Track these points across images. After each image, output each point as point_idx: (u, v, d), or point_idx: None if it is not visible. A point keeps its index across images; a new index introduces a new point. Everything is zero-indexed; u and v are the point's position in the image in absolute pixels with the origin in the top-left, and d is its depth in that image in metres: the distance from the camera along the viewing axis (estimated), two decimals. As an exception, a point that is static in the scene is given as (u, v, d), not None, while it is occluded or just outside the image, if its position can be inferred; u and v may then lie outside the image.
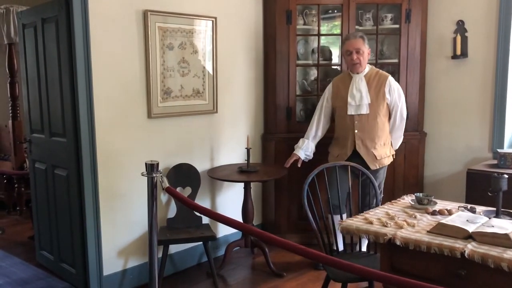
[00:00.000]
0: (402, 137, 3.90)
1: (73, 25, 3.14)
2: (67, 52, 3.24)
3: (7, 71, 5.39)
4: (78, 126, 3.25)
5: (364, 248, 3.29)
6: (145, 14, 3.48)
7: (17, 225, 5.20)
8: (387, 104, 3.71)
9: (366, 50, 3.68)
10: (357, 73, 3.72)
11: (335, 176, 3.13)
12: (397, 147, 3.92)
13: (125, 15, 3.39)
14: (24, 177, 5.26)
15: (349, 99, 3.69)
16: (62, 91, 3.38)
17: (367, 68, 3.75)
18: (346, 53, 3.72)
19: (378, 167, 3.71)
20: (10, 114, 5.46)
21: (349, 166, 3.15)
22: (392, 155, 3.85)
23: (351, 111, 3.70)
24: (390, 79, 3.72)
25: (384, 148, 3.76)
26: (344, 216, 3.51)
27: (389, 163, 3.82)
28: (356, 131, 3.69)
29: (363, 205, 3.59)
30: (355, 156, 3.68)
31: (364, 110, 3.67)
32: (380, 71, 3.80)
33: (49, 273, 3.82)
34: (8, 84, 5.43)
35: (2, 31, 5.19)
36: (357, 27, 4.28)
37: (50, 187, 3.70)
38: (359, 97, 3.67)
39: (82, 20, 3.16)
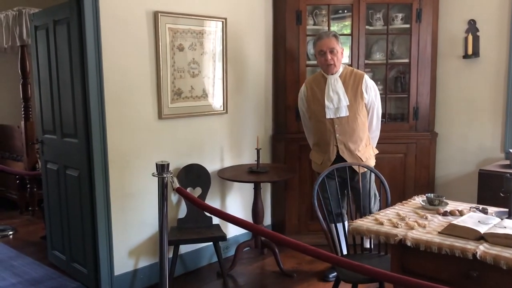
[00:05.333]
0: (378, 136, 3.74)
1: (84, 26, 3.17)
2: (78, 54, 3.27)
3: (20, 72, 5.45)
4: (89, 127, 3.28)
5: (367, 245, 3.22)
6: (155, 15, 3.49)
7: (30, 225, 5.25)
8: (365, 103, 3.55)
9: (340, 50, 3.52)
10: (332, 74, 3.54)
11: (327, 186, 3.09)
12: (374, 146, 3.73)
13: (136, 16, 3.41)
14: (36, 178, 5.31)
15: (327, 102, 3.51)
16: (73, 92, 3.40)
17: (341, 68, 3.58)
18: (319, 54, 3.54)
19: (365, 170, 3.44)
20: (23, 115, 5.52)
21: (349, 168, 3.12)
22: (374, 156, 3.67)
23: (329, 114, 3.52)
24: (366, 77, 3.57)
25: (367, 149, 3.61)
26: (346, 223, 3.41)
27: (374, 163, 3.63)
28: (337, 135, 3.52)
29: (365, 208, 3.32)
30: (339, 161, 3.46)
31: (343, 112, 3.50)
32: (355, 69, 3.66)
33: (61, 272, 3.85)
34: (20, 86, 5.49)
35: (14, 33, 5.24)
36: (367, 27, 4.26)
37: (62, 187, 3.73)
38: (337, 99, 3.50)
39: (93, 21, 3.18)
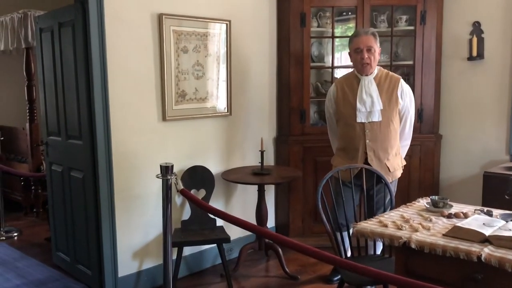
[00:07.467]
0: (409, 146, 3.57)
1: (89, 29, 3.18)
2: (83, 56, 3.28)
3: (25, 74, 5.48)
4: (94, 128, 3.29)
5: (378, 252, 3.23)
6: (160, 17, 3.50)
7: (34, 227, 5.27)
8: (399, 109, 3.35)
9: (377, 49, 3.31)
10: (366, 75, 3.33)
11: (341, 195, 2.97)
12: (403, 156, 3.55)
13: (141, 19, 3.42)
14: (41, 179, 5.33)
15: (359, 105, 3.29)
16: (78, 94, 3.41)
17: (376, 69, 3.37)
18: (355, 51, 3.31)
19: (391, 181, 3.28)
20: (28, 117, 5.55)
21: (363, 173, 3.10)
22: (402, 167, 3.48)
23: (361, 118, 3.29)
24: (402, 81, 3.37)
25: (396, 158, 3.40)
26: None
27: (400, 175, 3.46)
28: (367, 141, 3.30)
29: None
30: (366, 169, 3.19)
31: (376, 117, 3.28)
32: (390, 72, 3.44)
33: (65, 274, 3.86)
34: (25, 88, 5.52)
35: (20, 35, 5.27)
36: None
37: (67, 189, 3.75)
38: (370, 102, 3.28)
39: (98, 24, 3.20)
